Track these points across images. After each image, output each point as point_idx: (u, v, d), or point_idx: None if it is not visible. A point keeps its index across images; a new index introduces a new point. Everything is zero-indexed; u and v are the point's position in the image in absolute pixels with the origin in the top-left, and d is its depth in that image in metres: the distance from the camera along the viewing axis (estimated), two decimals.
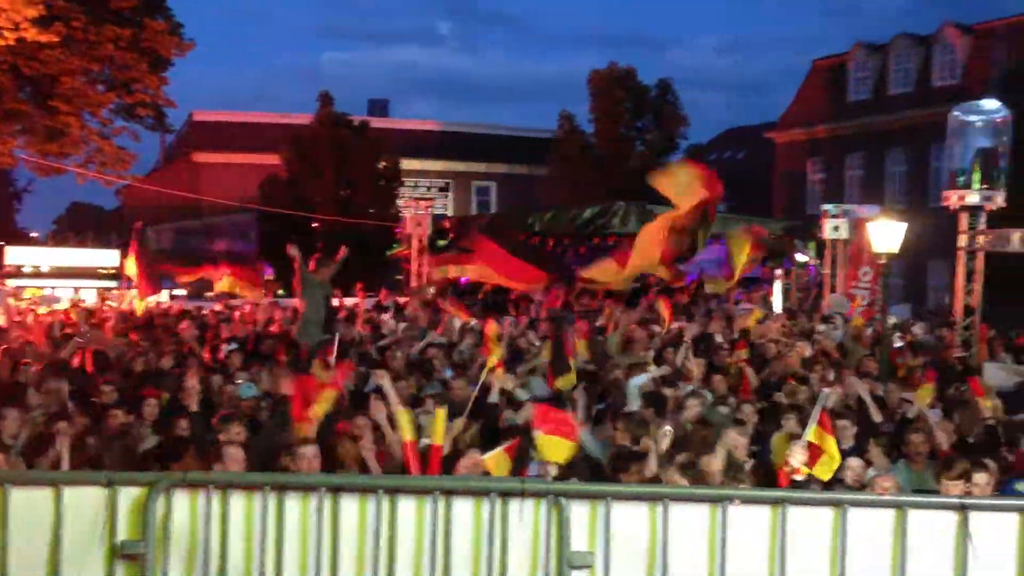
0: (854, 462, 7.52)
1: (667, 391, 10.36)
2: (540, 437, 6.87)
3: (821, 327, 17.70)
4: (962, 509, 3.89)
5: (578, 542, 4.20)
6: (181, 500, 4.40)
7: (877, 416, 9.54)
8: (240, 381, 10.51)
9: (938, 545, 3.91)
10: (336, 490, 4.39)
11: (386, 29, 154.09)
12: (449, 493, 4.30)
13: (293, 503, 4.36)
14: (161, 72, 24.96)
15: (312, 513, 4.35)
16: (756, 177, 43.81)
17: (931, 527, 3.92)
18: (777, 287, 25.75)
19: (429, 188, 43.08)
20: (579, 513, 4.20)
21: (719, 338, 15.58)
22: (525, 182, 43.11)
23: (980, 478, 6.25)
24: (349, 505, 4.37)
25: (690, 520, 4.04)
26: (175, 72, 25.19)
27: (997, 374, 15.01)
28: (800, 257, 25.77)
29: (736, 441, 8.41)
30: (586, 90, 37.61)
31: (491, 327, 10.89)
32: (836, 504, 3.97)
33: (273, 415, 8.71)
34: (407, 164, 38.54)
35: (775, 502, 3.97)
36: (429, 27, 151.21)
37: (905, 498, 4.05)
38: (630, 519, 4.15)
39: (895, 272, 32.24)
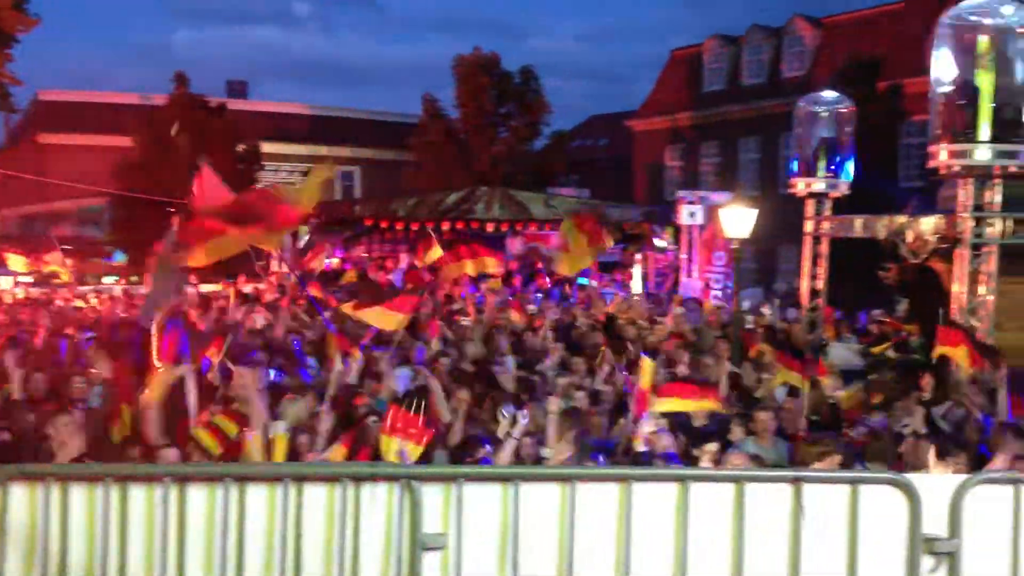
0: (711, 445, 7.80)
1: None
2: (385, 440, 6.93)
3: (678, 310, 18.24)
4: (796, 481, 4.07)
5: (432, 524, 4.22)
6: (19, 494, 4.23)
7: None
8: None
9: (774, 517, 4.09)
10: (183, 479, 4.30)
11: (240, 9, 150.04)
12: (300, 479, 4.26)
13: (137, 493, 4.24)
14: (4, 49, 23.72)
15: (158, 503, 4.24)
16: (618, 164, 44.66)
17: (767, 499, 4.09)
18: (637, 271, 26.37)
19: (291, 172, 42.29)
20: (432, 495, 4.21)
21: (581, 321, 15.89)
22: (390, 167, 42.78)
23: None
24: (197, 494, 4.28)
25: (541, 499, 4.11)
26: (19, 49, 23.96)
27: (843, 354, 15.75)
28: (658, 242, 26.45)
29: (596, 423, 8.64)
30: (450, 75, 37.57)
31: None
32: (680, 479, 4.10)
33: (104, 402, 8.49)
34: (268, 148, 37.73)
35: (621, 479, 4.08)
36: (285, 8, 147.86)
37: (743, 472, 4.22)
38: (483, 500, 4.19)
39: (747, 256, 33.40)
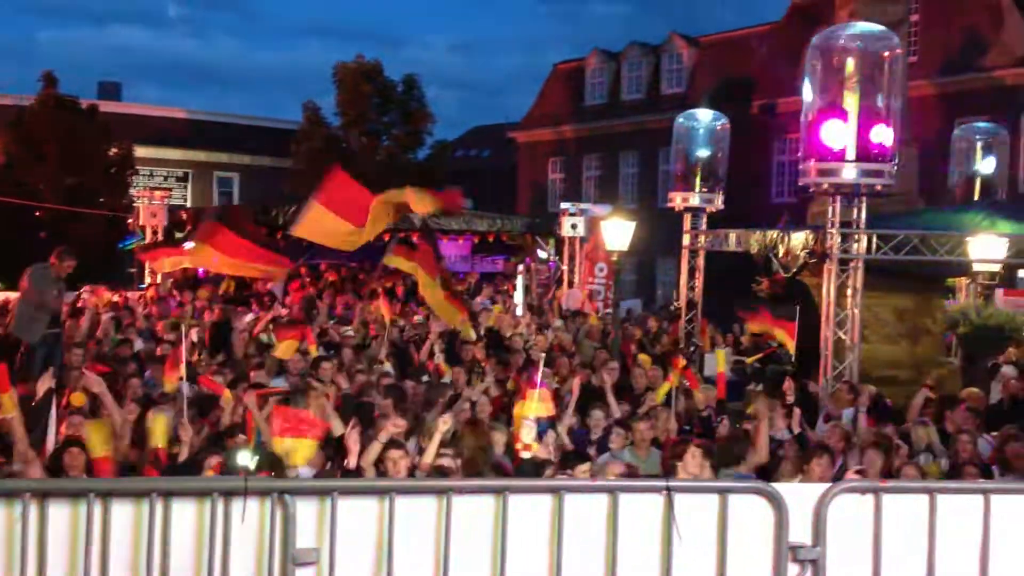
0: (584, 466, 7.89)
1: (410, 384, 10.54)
2: (276, 442, 6.75)
3: (558, 322, 18.43)
4: (667, 492, 4.14)
5: (305, 539, 4.15)
6: None
7: (615, 408, 9.97)
8: None
9: (647, 526, 4.15)
10: (43, 495, 4.11)
11: (108, 9, 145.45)
12: (167, 495, 4.13)
13: None
14: None
15: (16, 520, 4.05)
16: (501, 175, 44.89)
17: (640, 509, 4.15)
18: (519, 282, 26.51)
19: (167, 178, 41.12)
20: (305, 510, 4.14)
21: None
22: (270, 174, 42.01)
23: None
24: (58, 511, 4.11)
25: (415, 512, 4.08)
26: None
27: (717, 364, 16.15)
28: (541, 254, 26.67)
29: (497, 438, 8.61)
30: (330, 82, 37.20)
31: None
32: (554, 491, 4.12)
33: None
34: (143, 152, 36.60)
35: (497, 491, 4.08)
36: (155, 8, 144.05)
37: (616, 483, 4.28)
38: (357, 513, 4.14)
39: (628, 268, 34.06)
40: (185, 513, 4.14)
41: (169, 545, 4.08)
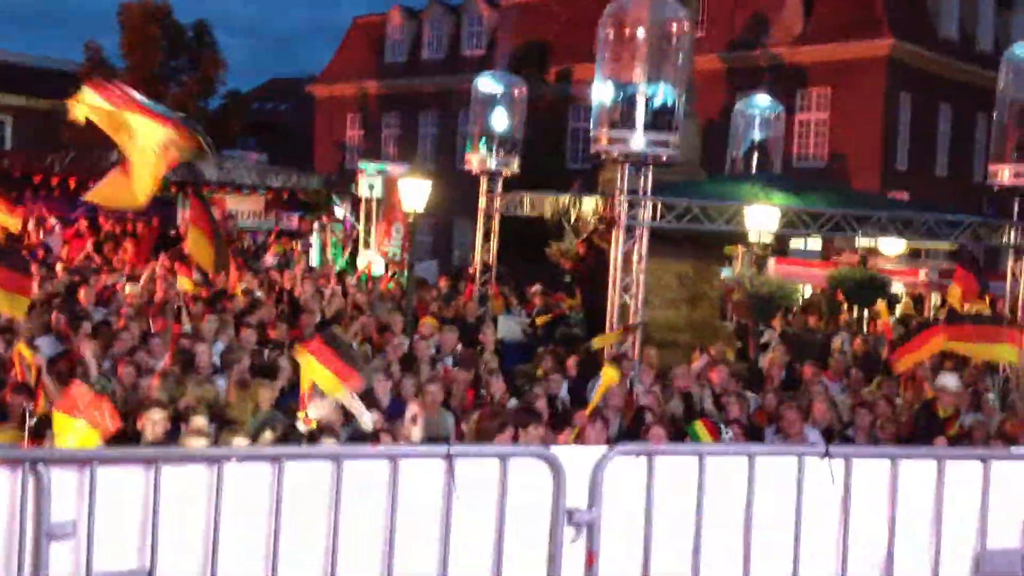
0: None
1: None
2: (58, 419, 6.21)
3: (352, 282, 18.18)
4: (448, 457, 4.11)
5: (62, 511, 3.86)
6: None
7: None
8: None
9: (428, 492, 4.11)
10: None
11: None
12: None
13: None
14: None
15: None
16: (299, 130, 43.77)
17: (421, 475, 4.10)
18: (315, 241, 25.98)
19: None
20: (62, 480, 3.85)
21: (259, 294, 15.44)
22: (46, 118, 39.24)
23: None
24: None
25: (185, 480, 3.88)
26: None
27: (510, 326, 16.39)
28: (338, 212, 26.20)
29: (264, 395, 8.35)
30: (116, 22, 35.09)
31: None
32: (334, 458, 4.02)
33: None
34: None
35: (273, 458, 3.94)
36: None
37: (397, 448, 4.22)
38: (121, 484, 3.89)
39: (424, 229, 34.01)
40: None
41: None
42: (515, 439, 7.43)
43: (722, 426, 8.78)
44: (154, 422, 6.20)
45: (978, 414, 9.70)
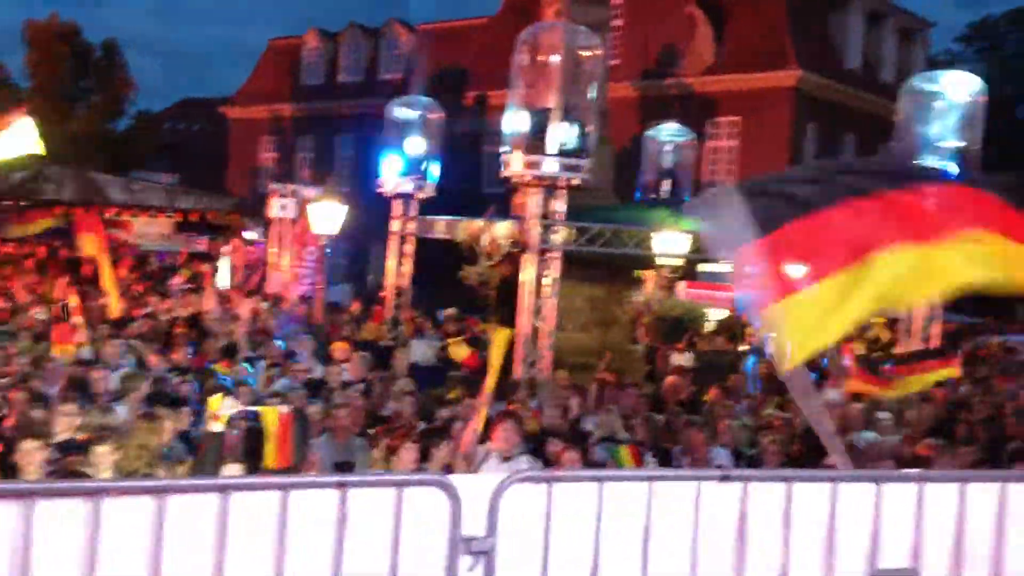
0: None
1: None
2: None
3: (263, 305, 17.87)
4: (341, 486, 4.02)
5: None
6: None
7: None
8: None
9: (321, 523, 4.01)
10: None
11: None
12: None
13: None
14: None
15: None
16: (211, 152, 43.08)
17: (313, 507, 4.00)
18: (224, 264, 25.53)
19: None
20: None
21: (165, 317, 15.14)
22: None
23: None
24: None
25: (62, 515, 3.70)
26: None
27: (422, 350, 16.28)
28: (248, 235, 25.80)
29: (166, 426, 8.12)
30: (21, 40, 34.21)
31: None
32: (222, 489, 3.89)
33: None
34: None
35: (155, 492, 3.80)
36: None
37: (286, 479, 4.11)
38: None
39: (340, 253, 33.65)
40: None
41: None
42: (423, 461, 7.37)
43: (647, 454, 8.84)
44: (28, 453, 5.97)
45: (871, 433, 9.90)
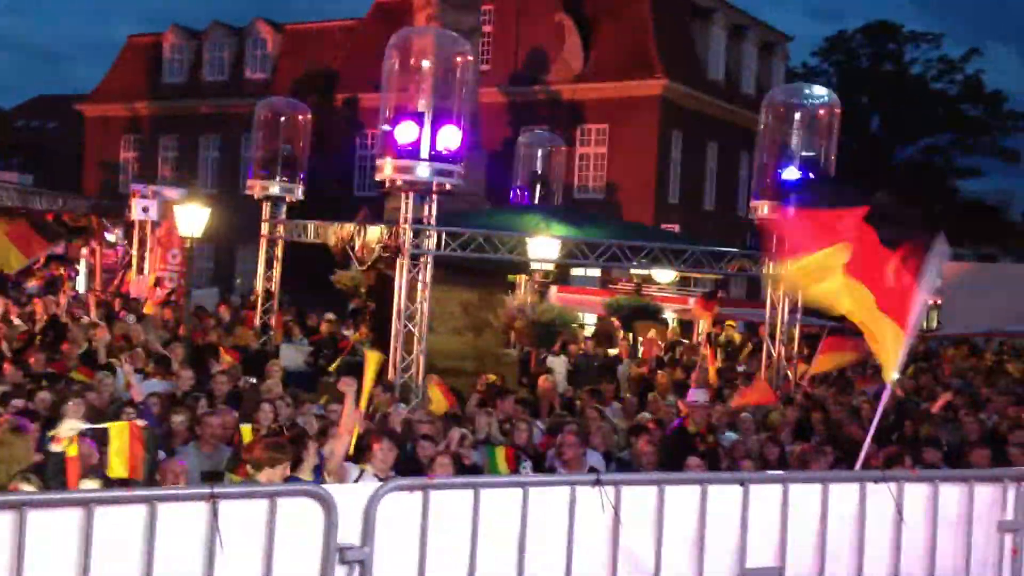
0: None
1: None
2: None
3: (130, 318, 17.24)
4: (212, 498, 3.91)
5: None
6: None
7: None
8: None
9: (190, 536, 3.90)
10: None
11: None
12: None
13: None
14: None
15: None
16: (67, 151, 41.37)
17: (184, 518, 3.89)
18: (83, 267, 24.60)
19: None
20: None
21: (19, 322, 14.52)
22: None
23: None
24: None
25: None
26: None
27: (292, 356, 15.98)
28: (109, 237, 24.93)
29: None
30: None
31: None
32: (83, 503, 3.74)
33: None
34: None
35: (12, 506, 3.62)
36: None
37: (155, 491, 3.98)
38: None
39: (206, 255, 32.87)
40: None
41: None
42: (294, 470, 7.21)
43: (523, 457, 8.89)
44: None
45: (734, 434, 10.20)
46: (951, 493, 5.30)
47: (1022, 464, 8.36)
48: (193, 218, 16.77)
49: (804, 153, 13.73)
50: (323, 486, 4.31)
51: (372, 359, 8.46)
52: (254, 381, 11.64)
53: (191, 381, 10.69)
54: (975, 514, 5.30)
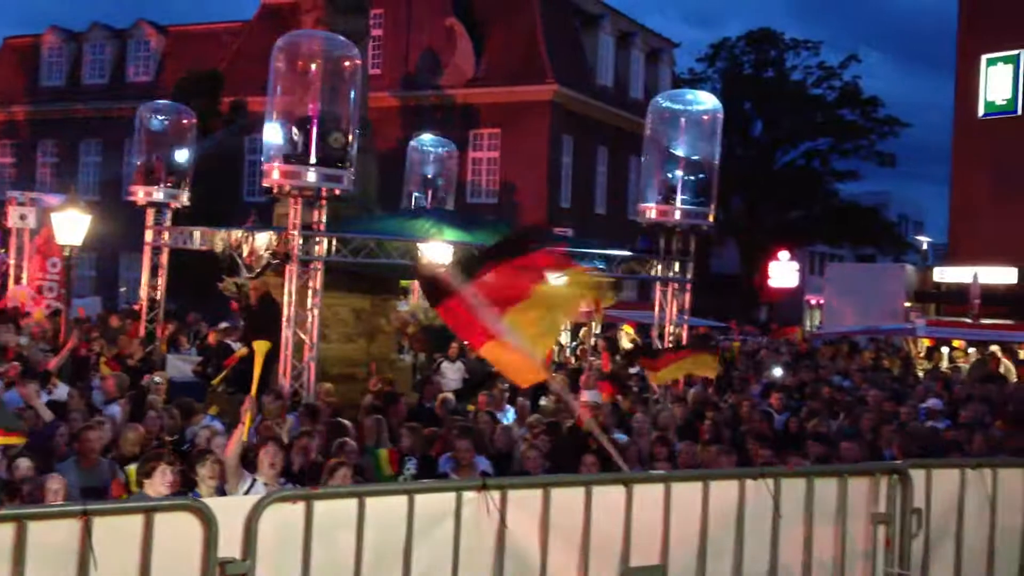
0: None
1: None
2: None
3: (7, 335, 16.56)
4: (85, 516, 3.79)
5: None
6: None
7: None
8: None
9: (60, 556, 3.77)
10: None
11: None
12: None
13: None
14: None
15: None
16: None
17: (54, 538, 3.76)
18: None
19: None
20: None
21: None
22: None
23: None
24: None
25: None
26: None
27: (178, 366, 15.60)
28: None
29: None
30: None
31: None
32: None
33: None
34: None
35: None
36: None
37: (25, 510, 3.84)
38: None
39: (87, 264, 31.87)
40: None
41: None
42: (183, 484, 7.05)
43: (405, 457, 8.86)
44: None
45: (623, 436, 10.35)
46: (827, 487, 5.47)
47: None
48: (73, 225, 16.19)
49: (689, 157, 14.01)
50: (203, 499, 4.22)
51: (259, 348, 8.35)
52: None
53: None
54: (849, 507, 5.48)
